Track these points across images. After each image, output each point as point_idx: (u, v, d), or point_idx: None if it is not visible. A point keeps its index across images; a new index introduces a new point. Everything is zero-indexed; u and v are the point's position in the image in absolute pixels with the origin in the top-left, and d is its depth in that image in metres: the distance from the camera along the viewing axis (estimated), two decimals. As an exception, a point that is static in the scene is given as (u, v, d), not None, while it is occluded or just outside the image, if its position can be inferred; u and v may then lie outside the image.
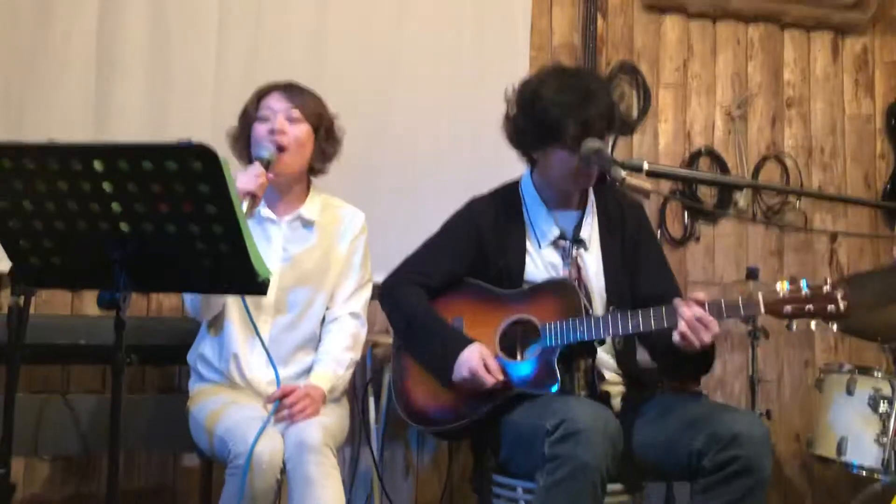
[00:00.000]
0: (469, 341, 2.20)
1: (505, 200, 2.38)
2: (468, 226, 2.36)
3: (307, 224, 2.40)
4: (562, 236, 2.30)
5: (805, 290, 1.97)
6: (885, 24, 3.92)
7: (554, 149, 2.20)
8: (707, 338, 1.99)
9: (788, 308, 1.98)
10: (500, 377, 2.15)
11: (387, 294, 2.40)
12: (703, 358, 2.11)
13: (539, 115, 2.17)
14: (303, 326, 2.37)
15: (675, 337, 2.01)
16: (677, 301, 2.03)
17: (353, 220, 2.46)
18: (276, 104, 2.34)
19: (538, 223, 2.32)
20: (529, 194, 2.36)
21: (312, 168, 2.42)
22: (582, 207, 2.35)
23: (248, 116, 2.38)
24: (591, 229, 2.33)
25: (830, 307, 1.96)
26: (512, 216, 2.34)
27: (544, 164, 2.28)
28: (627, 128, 3.56)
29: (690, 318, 1.98)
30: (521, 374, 2.18)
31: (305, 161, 2.37)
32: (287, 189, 2.39)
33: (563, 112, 2.14)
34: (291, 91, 2.37)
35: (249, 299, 2.27)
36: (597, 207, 2.35)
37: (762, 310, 1.99)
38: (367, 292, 2.48)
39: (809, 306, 1.97)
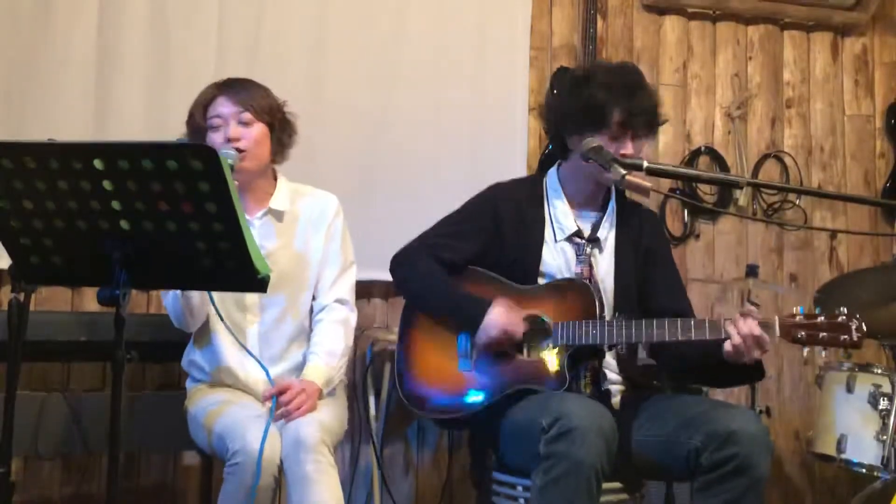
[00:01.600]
0: (489, 303, 2.19)
1: (528, 190, 2.39)
2: (488, 208, 2.36)
3: (279, 217, 2.37)
4: (578, 234, 2.31)
5: (821, 318, 1.98)
6: (884, 24, 3.93)
7: (593, 136, 2.18)
8: (758, 355, 2.02)
9: (802, 334, 1.99)
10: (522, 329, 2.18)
11: (398, 264, 2.38)
12: (750, 369, 2.12)
13: (585, 99, 2.19)
14: (291, 320, 2.35)
15: (727, 347, 2.03)
16: (736, 316, 2.04)
17: (327, 205, 2.42)
18: (224, 109, 2.27)
19: (558, 217, 2.32)
20: (554, 189, 2.36)
21: (274, 159, 2.38)
22: (602, 210, 2.36)
23: (197, 125, 2.31)
24: (607, 231, 2.34)
25: (844, 337, 1.96)
26: (533, 206, 2.35)
27: (578, 153, 2.25)
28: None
29: (747, 335, 2.00)
30: (526, 370, 2.18)
31: (266, 158, 2.33)
32: (253, 187, 2.35)
33: (610, 98, 2.16)
34: (236, 91, 2.28)
35: (234, 300, 2.28)
36: (616, 212, 2.37)
37: (777, 332, 2.00)
38: (352, 276, 2.45)
39: (824, 334, 1.98)
